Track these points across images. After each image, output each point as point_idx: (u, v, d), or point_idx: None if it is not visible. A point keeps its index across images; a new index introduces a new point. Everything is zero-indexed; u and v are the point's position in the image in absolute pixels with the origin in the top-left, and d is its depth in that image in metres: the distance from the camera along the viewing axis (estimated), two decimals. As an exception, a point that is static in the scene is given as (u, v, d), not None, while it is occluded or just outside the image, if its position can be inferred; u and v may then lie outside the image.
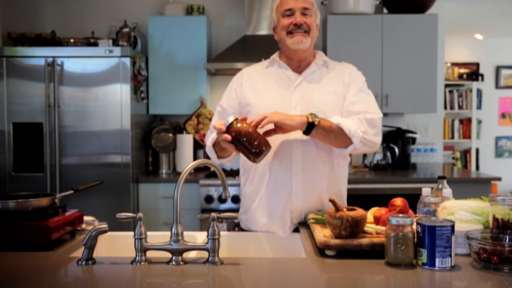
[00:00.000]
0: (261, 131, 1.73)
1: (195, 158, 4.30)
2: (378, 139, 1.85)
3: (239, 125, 1.68)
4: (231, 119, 1.69)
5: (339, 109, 1.88)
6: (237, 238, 1.88)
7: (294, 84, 1.92)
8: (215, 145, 1.91)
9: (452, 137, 6.84)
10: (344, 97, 1.90)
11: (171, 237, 1.42)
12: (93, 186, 2.02)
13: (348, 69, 1.98)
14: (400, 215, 1.40)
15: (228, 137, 1.68)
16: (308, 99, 1.88)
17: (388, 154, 4.23)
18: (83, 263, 1.40)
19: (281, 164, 1.86)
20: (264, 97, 1.90)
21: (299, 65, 1.95)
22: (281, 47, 1.98)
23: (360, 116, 1.82)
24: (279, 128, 1.74)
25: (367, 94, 1.92)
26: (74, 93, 3.73)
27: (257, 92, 1.93)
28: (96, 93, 3.72)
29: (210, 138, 1.95)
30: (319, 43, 4.35)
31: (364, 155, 4.29)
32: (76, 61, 3.72)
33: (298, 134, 1.84)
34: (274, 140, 1.85)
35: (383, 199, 1.86)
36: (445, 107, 6.64)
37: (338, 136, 1.79)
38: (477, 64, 7.13)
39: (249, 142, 1.67)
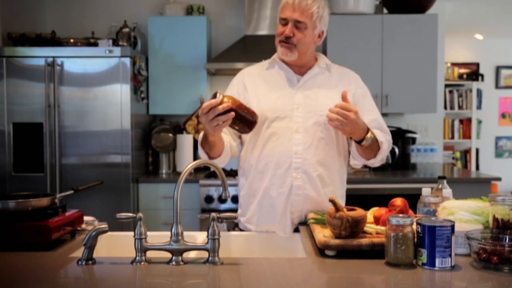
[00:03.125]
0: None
1: (195, 158, 4.29)
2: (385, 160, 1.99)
3: (229, 99, 1.67)
4: (219, 94, 1.65)
5: None
6: (237, 238, 1.88)
7: (296, 86, 1.91)
8: (203, 143, 1.86)
9: (452, 137, 6.84)
10: None
11: (171, 237, 1.42)
12: (93, 186, 2.02)
13: (354, 79, 1.99)
14: (400, 215, 1.41)
15: (228, 105, 1.64)
16: (311, 102, 1.88)
17: (388, 154, 4.21)
18: (83, 263, 1.40)
19: (281, 165, 1.86)
20: (266, 99, 1.89)
21: (300, 68, 1.95)
22: None
23: (387, 137, 1.93)
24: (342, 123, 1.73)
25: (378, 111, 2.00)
26: (74, 93, 3.73)
27: (259, 94, 1.92)
28: (96, 93, 3.72)
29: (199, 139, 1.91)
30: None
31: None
32: (76, 61, 3.72)
33: (298, 135, 1.85)
34: (274, 141, 1.85)
35: (383, 199, 1.87)
36: (445, 107, 6.64)
37: (372, 150, 1.87)
38: (477, 64, 7.13)
39: (246, 111, 1.70)
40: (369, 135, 1.80)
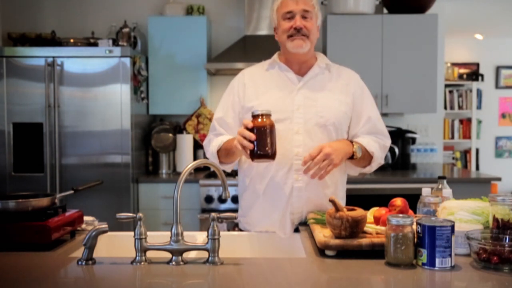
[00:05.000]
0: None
1: (195, 158, 4.30)
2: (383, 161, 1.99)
3: (268, 121, 1.67)
4: (259, 111, 1.67)
5: (342, 116, 1.90)
6: (237, 238, 1.88)
7: (297, 87, 1.91)
8: (221, 151, 1.90)
9: (452, 137, 6.84)
10: (348, 105, 1.92)
11: (171, 237, 1.42)
12: (93, 186, 2.02)
13: (353, 79, 1.98)
14: (400, 215, 1.41)
15: (245, 140, 1.65)
16: (311, 103, 1.88)
17: (388, 154, 4.23)
18: (83, 263, 1.40)
19: (282, 166, 1.85)
20: (266, 100, 1.89)
21: (300, 68, 1.94)
22: (281, 49, 1.97)
23: (380, 141, 1.93)
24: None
25: (377, 110, 2.00)
26: (74, 93, 3.73)
27: (260, 95, 1.91)
28: (96, 93, 3.72)
29: (213, 144, 1.93)
30: (319, 43, 4.35)
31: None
32: (76, 61, 3.72)
33: (298, 137, 1.84)
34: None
35: (383, 199, 1.87)
36: (445, 107, 6.64)
37: (364, 160, 1.90)
38: (477, 64, 7.13)
39: (272, 144, 1.66)
40: (355, 147, 1.82)
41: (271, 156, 1.67)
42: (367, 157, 1.89)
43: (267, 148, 1.65)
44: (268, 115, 1.67)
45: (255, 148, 1.65)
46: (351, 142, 1.86)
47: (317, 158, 1.72)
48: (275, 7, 1.93)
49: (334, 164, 1.74)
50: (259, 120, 1.66)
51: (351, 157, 1.84)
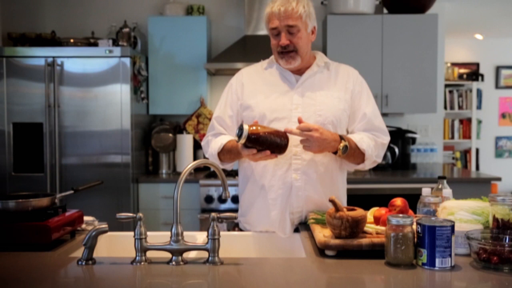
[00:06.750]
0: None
1: (195, 158, 4.30)
2: (381, 159, 1.96)
3: (257, 127, 1.69)
4: (246, 127, 1.67)
5: (340, 113, 1.89)
6: (237, 238, 1.88)
7: (295, 86, 1.91)
8: (223, 152, 1.89)
9: (452, 137, 6.84)
10: (347, 102, 1.91)
11: (171, 237, 1.42)
12: (93, 186, 2.02)
13: (352, 76, 1.97)
14: (400, 215, 1.40)
15: (259, 154, 1.71)
16: (309, 102, 1.87)
17: (388, 154, 4.23)
18: (83, 263, 1.40)
19: (280, 166, 1.85)
20: (264, 100, 1.89)
21: (299, 68, 1.93)
22: None
23: (377, 139, 1.90)
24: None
25: (376, 106, 1.98)
26: (74, 93, 3.73)
27: (258, 94, 1.91)
28: (96, 93, 3.72)
29: (212, 146, 1.93)
30: (319, 43, 4.35)
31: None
32: (76, 61, 3.72)
33: (297, 136, 1.84)
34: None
35: (383, 199, 1.87)
36: (445, 107, 6.64)
37: (355, 157, 1.87)
38: (477, 64, 7.13)
39: (276, 136, 1.71)
40: (341, 145, 1.78)
41: (287, 141, 1.73)
42: (359, 155, 1.86)
43: (279, 142, 1.71)
44: (247, 127, 1.68)
45: (274, 151, 1.72)
46: (342, 139, 1.80)
47: (303, 133, 1.72)
48: (265, 18, 1.90)
49: (312, 150, 1.76)
50: (252, 137, 1.67)
51: (335, 153, 1.82)
